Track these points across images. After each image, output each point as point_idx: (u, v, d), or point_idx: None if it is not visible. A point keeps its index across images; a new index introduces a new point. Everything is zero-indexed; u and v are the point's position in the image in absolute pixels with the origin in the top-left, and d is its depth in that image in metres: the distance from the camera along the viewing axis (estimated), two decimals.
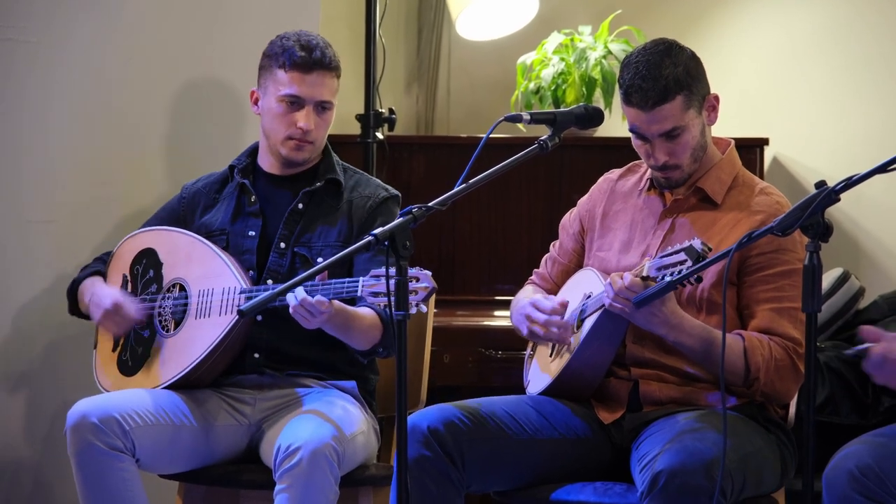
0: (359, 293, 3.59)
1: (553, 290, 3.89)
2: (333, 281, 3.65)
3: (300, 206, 4.00)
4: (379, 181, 4.10)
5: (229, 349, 3.90)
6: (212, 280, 3.92)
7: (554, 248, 3.95)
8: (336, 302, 3.69)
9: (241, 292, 3.85)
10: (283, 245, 3.98)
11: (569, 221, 3.92)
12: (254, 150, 4.12)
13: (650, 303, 3.40)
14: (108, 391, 4.02)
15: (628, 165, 3.88)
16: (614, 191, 3.84)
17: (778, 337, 3.55)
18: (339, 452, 3.64)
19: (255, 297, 3.72)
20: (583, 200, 3.91)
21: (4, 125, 4.69)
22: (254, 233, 4.00)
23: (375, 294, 3.56)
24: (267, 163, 4.08)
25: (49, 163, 4.71)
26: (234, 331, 3.86)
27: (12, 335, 4.69)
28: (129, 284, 4.05)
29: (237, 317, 3.82)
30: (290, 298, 3.66)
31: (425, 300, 3.46)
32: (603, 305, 3.52)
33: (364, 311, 3.82)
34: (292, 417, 3.78)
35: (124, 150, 4.77)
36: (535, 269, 3.98)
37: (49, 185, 4.72)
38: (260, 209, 4.03)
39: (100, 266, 4.15)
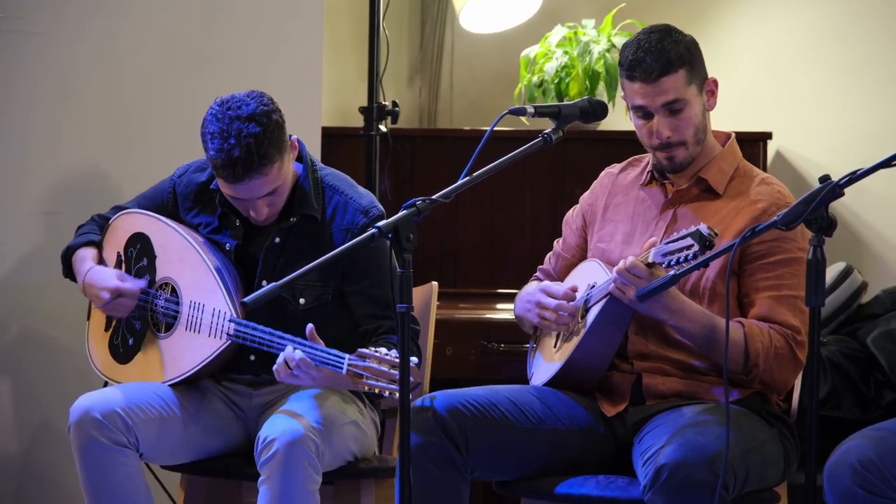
0: (343, 371, 3.56)
1: None
2: (318, 347, 3.62)
3: (276, 240, 3.89)
4: (360, 201, 3.92)
5: (218, 365, 3.91)
6: (203, 295, 3.88)
7: (557, 244, 3.95)
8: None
9: (230, 320, 3.82)
10: (264, 283, 3.87)
11: (572, 217, 3.93)
12: None
13: (655, 295, 3.40)
14: (98, 370, 4.04)
15: (629, 160, 3.88)
16: (615, 184, 3.85)
17: (777, 325, 3.55)
18: (318, 443, 3.63)
19: (246, 332, 3.76)
20: (584, 196, 3.92)
21: (10, 117, 4.70)
22: (229, 246, 3.94)
23: (358, 376, 3.52)
24: None
25: (54, 155, 4.72)
26: (223, 353, 3.86)
27: (14, 327, 4.69)
28: (124, 265, 4.04)
29: (226, 342, 3.82)
30: (279, 360, 3.64)
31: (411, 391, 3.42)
32: (607, 294, 3.53)
33: None
34: (274, 412, 3.78)
35: (129, 143, 4.77)
36: (540, 266, 3.98)
37: (53, 178, 4.72)
38: (242, 236, 3.94)
39: (95, 234, 4.08)
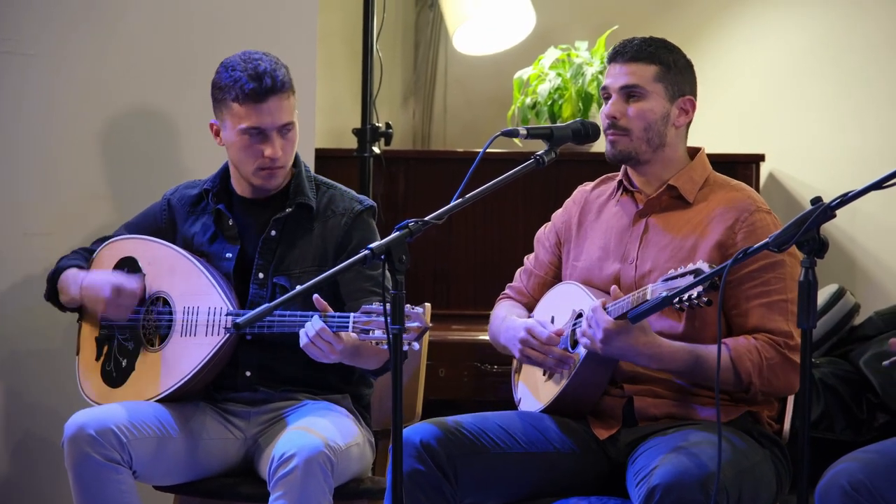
0: (349, 329, 3.61)
1: (531, 303, 3.90)
2: (327, 315, 3.65)
3: (273, 232, 3.97)
4: (353, 193, 4.05)
5: (216, 367, 3.91)
6: (196, 298, 3.91)
7: (528, 261, 3.96)
8: (345, 334, 3.68)
9: (227, 314, 3.85)
10: (261, 275, 3.95)
11: (544, 234, 3.93)
12: (225, 172, 4.07)
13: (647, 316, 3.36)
14: (92, 400, 4.03)
15: (602, 177, 3.90)
16: (588, 201, 3.86)
17: (767, 333, 3.55)
18: (333, 461, 3.65)
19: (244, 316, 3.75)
20: (557, 213, 3.93)
21: (1, 138, 4.70)
22: (230, 255, 3.99)
23: (366, 332, 3.57)
24: (239, 188, 4.03)
25: (46, 175, 4.72)
26: (222, 350, 3.87)
27: (8, 347, 4.69)
28: None
29: (225, 337, 3.84)
30: (303, 336, 3.67)
31: (418, 339, 3.46)
32: None
33: None
34: (287, 428, 3.79)
35: (122, 163, 4.77)
36: (509, 284, 3.98)
37: (47, 198, 4.72)
38: (238, 234, 4.00)
39: (83, 261, 4.10)
